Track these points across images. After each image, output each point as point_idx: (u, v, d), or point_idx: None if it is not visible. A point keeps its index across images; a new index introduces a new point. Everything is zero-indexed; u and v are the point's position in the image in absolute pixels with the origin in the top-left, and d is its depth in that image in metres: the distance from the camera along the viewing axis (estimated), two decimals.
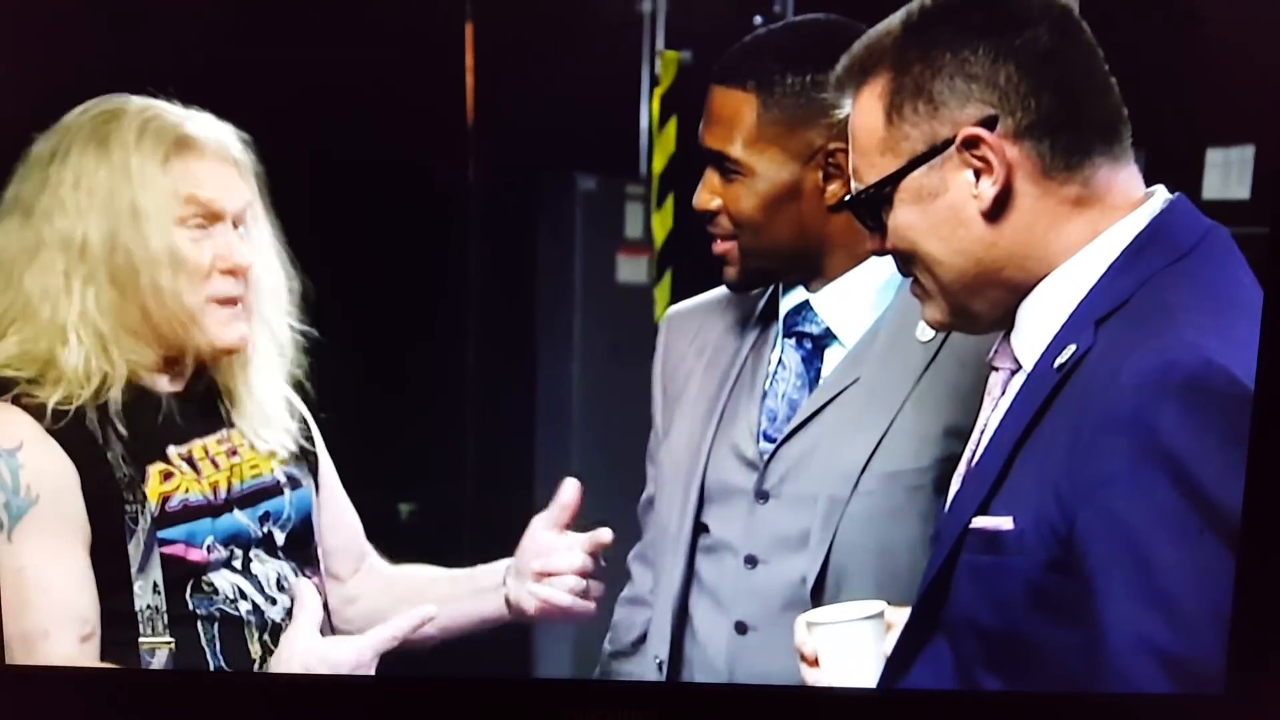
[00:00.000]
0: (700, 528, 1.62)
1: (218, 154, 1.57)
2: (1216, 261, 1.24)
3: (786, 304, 1.61)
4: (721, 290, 1.72)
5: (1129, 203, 1.26)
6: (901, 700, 1.36)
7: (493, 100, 2.24)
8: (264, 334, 1.65)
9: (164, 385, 1.58)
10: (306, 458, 1.71)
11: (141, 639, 1.53)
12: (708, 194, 1.58)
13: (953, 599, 1.30)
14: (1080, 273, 1.25)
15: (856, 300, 1.57)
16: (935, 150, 1.26)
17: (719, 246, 1.60)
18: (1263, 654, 1.38)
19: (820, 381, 1.57)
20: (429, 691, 1.66)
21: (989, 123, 1.24)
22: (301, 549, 1.68)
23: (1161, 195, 1.27)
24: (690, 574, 1.62)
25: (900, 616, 1.37)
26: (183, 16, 1.75)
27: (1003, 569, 1.24)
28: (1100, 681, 1.20)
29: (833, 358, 1.58)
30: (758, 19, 2.00)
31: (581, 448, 2.43)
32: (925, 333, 1.52)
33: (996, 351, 1.34)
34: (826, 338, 1.58)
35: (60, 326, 1.51)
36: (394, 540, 2.33)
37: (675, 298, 2.22)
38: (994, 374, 1.35)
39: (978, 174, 1.25)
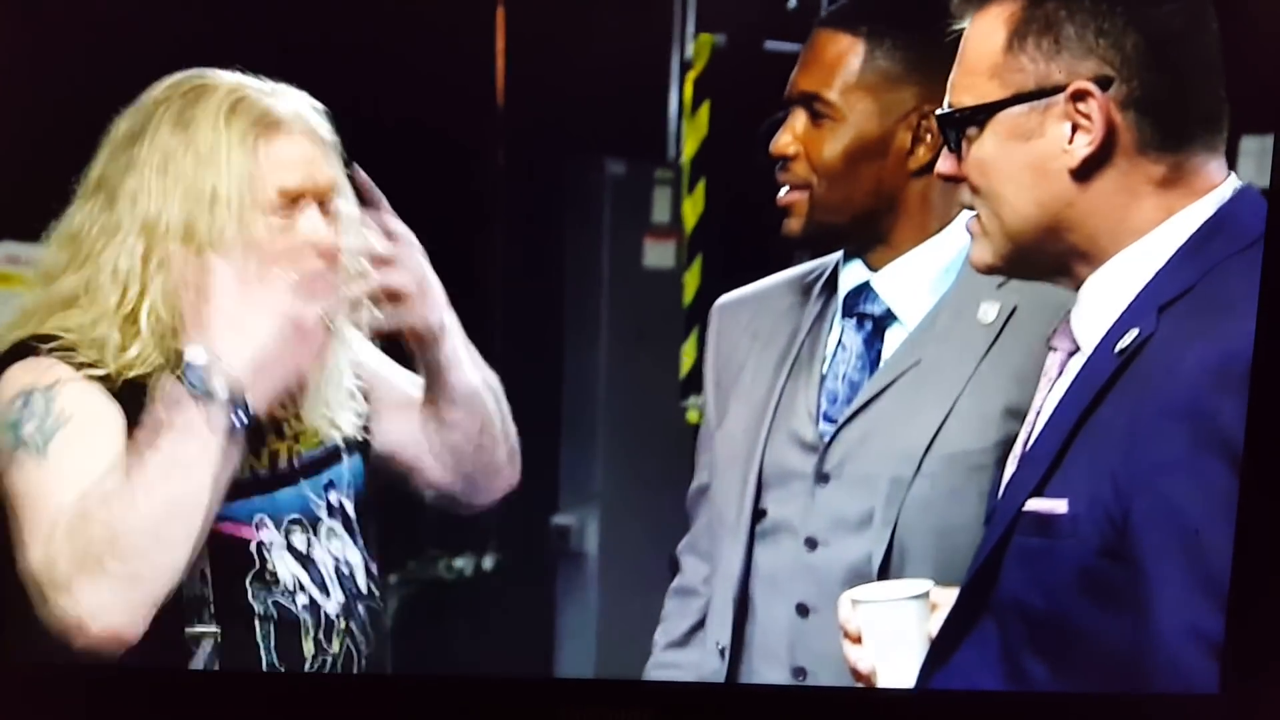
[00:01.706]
0: (758, 513, 1.60)
1: (306, 133, 1.52)
2: None
3: (846, 284, 1.60)
4: (772, 279, 1.70)
5: (1205, 188, 1.24)
6: (899, 701, 1.36)
7: (523, 84, 2.25)
8: (343, 314, 1.59)
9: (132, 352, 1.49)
10: (365, 419, 1.65)
11: (187, 629, 1.49)
12: (789, 137, 1.55)
13: (1002, 581, 1.28)
14: (1146, 256, 1.23)
15: (918, 281, 1.55)
16: (1044, 92, 1.23)
17: (787, 196, 1.57)
18: (1258, 654, 1.37)
19: (881, 363, 1.56)
20: (428, 690, 1.67)
21: (1103, 83, 1.21)
22: (366, 518, 1.63)
23: (1232, 182, 1.25)
24: (750, 558, 1.60)
25: (946, 597, 1.36)
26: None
27: (1054, 552, 1.23)
28: (1146, 667, 1.19)
29: (893, 339, 1.57)
30: (792, 2, 2.01)
31: (606, 431, 2.43)
32: (987, 315, 1.51)
33: (1056, 332, 1.32)
34: (887, 319, 1.57)
35: (128, 312, 1.47)
36: (419, 520, 2.34)
37: (705, 284, 2.23)
38: (1051, 355, 1.33)
39: (1075, 129, 1.22)
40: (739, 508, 1.61)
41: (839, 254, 1.63)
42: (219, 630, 1.50)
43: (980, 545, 1.32)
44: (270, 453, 1.55)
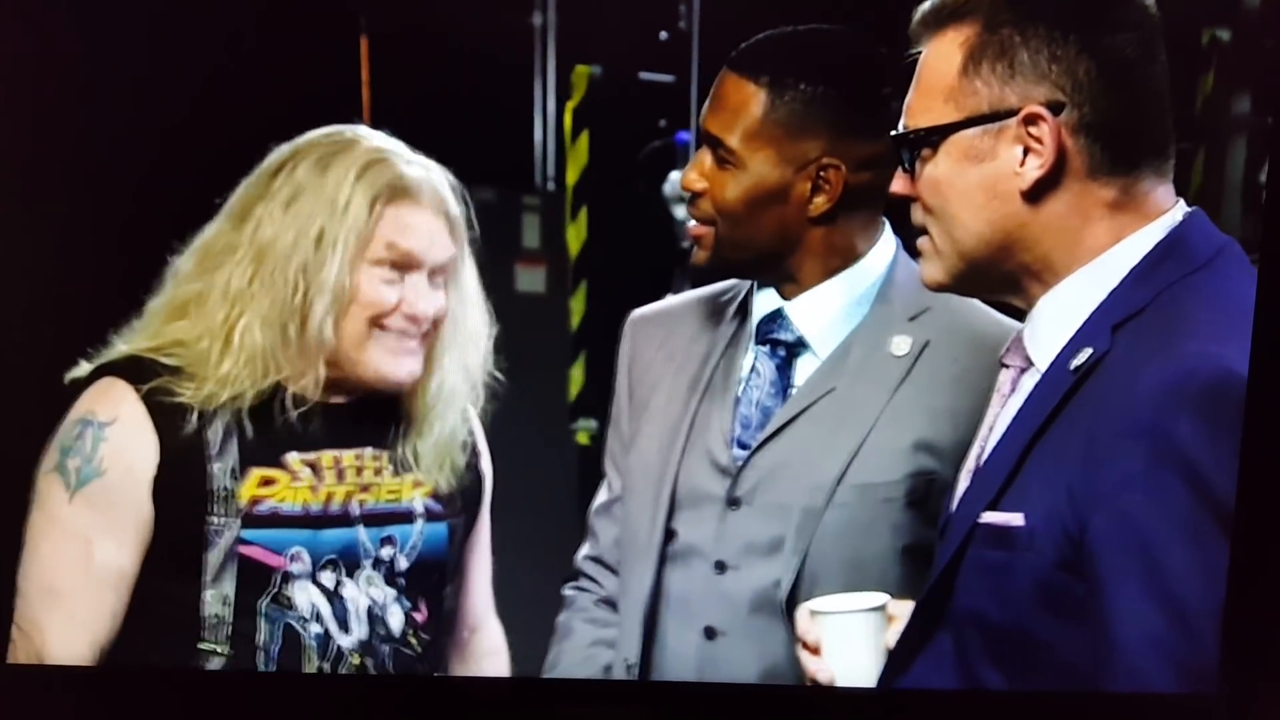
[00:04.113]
0: (669, 534, 1.60)
1: (433, 205, 1.58)
2: (1231, 275, 1.25)
3: (759, 310, 1.59)
4: (687, 296, 1.70)
5: (1156, 212, 1.25)
6: (900, 699, 1.36)
7: (388, 114, 2.23)
8: (459, 374, 1.66)
9: (328, 397, 1.59)
10: (461, 500, 1.69)
11: (201, 643, 1.54)
12: (696, 174, 1.55)
13: (959, 593, 1.28)
14: (1100, 277, 1.25)
15: (831, 311, 1.56)
16: (997, 116, 1.24)
17: (694, 230, 1.57)
18: (1257, 652, 1.40)
19: (793, 390, 1.56)
20: (424, 690, 1.65)
21: (1055, 108, 1.22)
22: (422, 582, 1.65)
23: (1181, 207, 1.27)
24: (660, 579, 1.60)
25: (903, 610, 1.36)
26: None
27: (1011, 565, 1.23)
28: (1104, 679, 1.20)
29: (804, 367, 1.56)
30: (663, 34, 2.04)
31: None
32: (900, 347, 1.53)
33: (1008, 349, 1.33)
34: (799, 347, 1.57)
35: (229, 328, 1.53)
36: None
37: (590, 307, 2.24)
38: (1004, 371, 1.33)
39: (1026, 152, 1.23)
40: (650, 528, 1.60)
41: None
42: (232, 652, 1.54)
43: (936, 558, 1.32)
44: (327, 493, 1.58)
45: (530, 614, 1.82)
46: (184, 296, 1.57)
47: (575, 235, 2.25)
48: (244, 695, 1.57)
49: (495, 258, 2.32)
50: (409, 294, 1.58)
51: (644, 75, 2.06)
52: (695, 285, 1.71)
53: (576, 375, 2.27)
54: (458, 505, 1.68)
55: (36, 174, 1.74)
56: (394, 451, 1.64)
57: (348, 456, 1.60)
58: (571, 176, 2.24)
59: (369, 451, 1.62)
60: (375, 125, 2.29)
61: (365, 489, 1.61)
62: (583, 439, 2.23)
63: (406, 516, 1.64)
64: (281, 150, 1.60)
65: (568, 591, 1.74)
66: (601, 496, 1.73)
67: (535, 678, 1.74)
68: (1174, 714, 1.19)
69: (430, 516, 1.65)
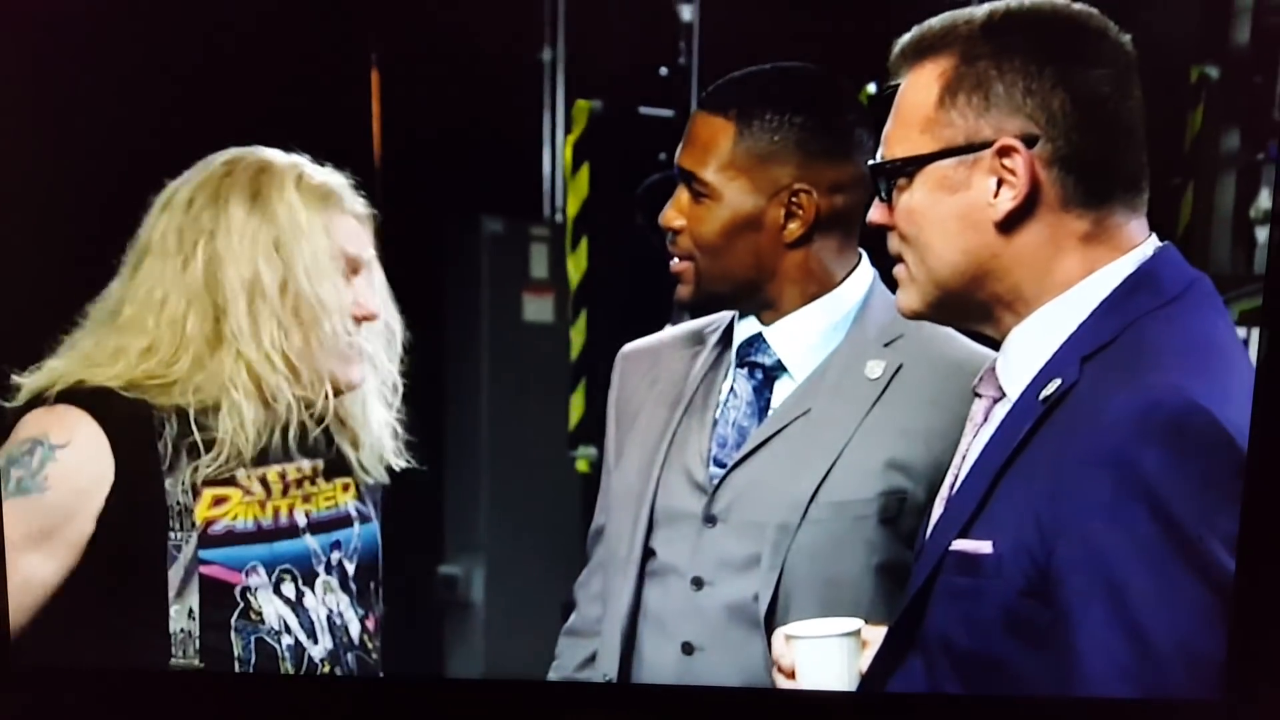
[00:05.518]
0: (648, 552, 1.61)
1: (352, 208, 1.61)
2: (1200, 309, 1.24)
3: (740, 334, 1.61)
4: (674, 330, 1.72)
5: (1127, 245, 1.25)
6: (903, 705, 1.34)
7: (399, 146, 2.25)
8: (385, 367, 1.68)
9: (261, 416, 1.58)
10: (381, 494, 1.72)
11: (173, 661, 1.55)
12: (674, 212, 1.58)
13: (929, 619, 1.27)
14: (1070, 309, 1.24)
15: (808, 336, 1.58)
16: (972, 147, 1.24)
17: (676, 265, 1.60)
18: (1261, 658, 1.38)
19: (770, 411, 1.58)
20: (428, 691, 1.66)
21: (1029, 140, 1.22)
22: (365, 583, 1.68)
23: (1153, 242, 1.27)
24: (639, 597, 1.61)
25: (876, 635, 1.36)
26: None
27: (979, 591, 1.22)
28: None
29: (782, 389, 1.59)
30: (663, 70, 2.05)
31: (490, 483, 2.43)
32: (874, 371, 1.55)
33: (981, 379, 1.33)
34: (777, 369, 1.59)
35: (247, 361, 1.54)
36: None
37: (591, 337, 2.26)
38: (977, 401, 1.33)
39: (1000, 183, 1.23)
40: (629, 547, 1.62)
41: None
42: (201, 665, 1.55)
43: (909, 584, 1.32)
44: (274, 508, 1.60)
45: (530, 637, 1.83)
46: (143, 344, 1.56)
47: (575, 266, 2.27)
48: (242, 696, 1.59)
49: (504, 287, 2.34)
50: (360, 296, 1.61)
51: (644, 110, 2.08)
52: (693, 316, 1.72)
53: (576, 404, 2.28)
54: (373, 506, 1.71)
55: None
56: (327, 457, 1.66)
57: (291, 469, 1.63)
58: (572, 208, 2.26)
59: (307, 463, 1.64)
60: (386, 156, 2.32)
61: (307, 499, 1.63)
62: (582, 467, 2.24)
63: (346, 520, 1.68)
64: (186, 185, 1.58)
65: (560, 640, 1.76)
66: (593, 524, 1.75)
67: (540, 680, 1.73)
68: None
69: (363, 519, 1.69)
